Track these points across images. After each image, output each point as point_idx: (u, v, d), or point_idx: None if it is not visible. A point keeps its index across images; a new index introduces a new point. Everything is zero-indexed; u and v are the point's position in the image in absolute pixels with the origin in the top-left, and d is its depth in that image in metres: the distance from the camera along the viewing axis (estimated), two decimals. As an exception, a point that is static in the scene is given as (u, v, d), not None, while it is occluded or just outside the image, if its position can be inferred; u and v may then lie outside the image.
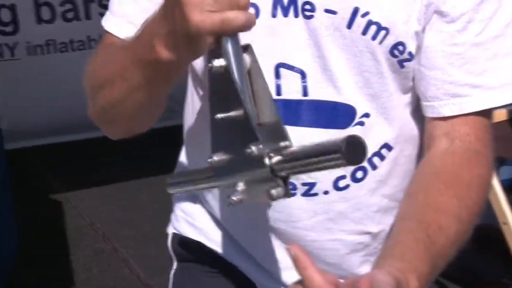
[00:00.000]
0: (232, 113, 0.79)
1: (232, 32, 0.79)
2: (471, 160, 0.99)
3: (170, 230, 1.29)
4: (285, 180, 0.79)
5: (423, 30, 0.99)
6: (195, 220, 1.22)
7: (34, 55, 4.03)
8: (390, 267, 0.82)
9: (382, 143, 1.05)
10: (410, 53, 1.00)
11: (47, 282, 2.84)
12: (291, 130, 0.98)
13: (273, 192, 0.78)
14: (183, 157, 1.24)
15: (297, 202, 1.05)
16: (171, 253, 1.29)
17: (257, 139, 0.77)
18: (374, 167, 1.05)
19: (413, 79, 1.04)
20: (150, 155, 3.74)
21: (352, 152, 0.72)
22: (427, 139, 1.05)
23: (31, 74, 3.90)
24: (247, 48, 0.83)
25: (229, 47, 0.79)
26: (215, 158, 0.80)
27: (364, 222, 1.10)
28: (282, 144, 0.81)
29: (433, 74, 1.01)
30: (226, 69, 0.79)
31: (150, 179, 3.44)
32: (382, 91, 1.02)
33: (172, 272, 1.29)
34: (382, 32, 0.98)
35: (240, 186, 0.80)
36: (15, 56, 3.98)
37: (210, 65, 0.79)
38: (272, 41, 1.00)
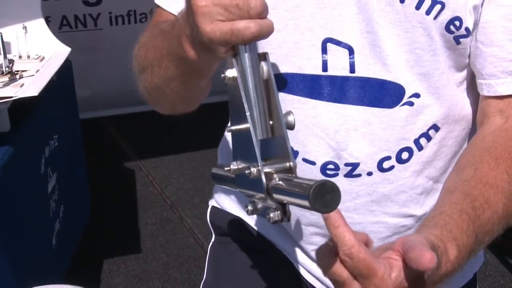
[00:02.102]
0: (242, 126, 0.78)
1: (244, 42, 0.76)
2: None
3: (211, 203, 1.30)
4: (283, 203, 0.76)
5: (482, 4, 0.95)
6: (235, 195, 1.22)
7: (116, 25, 4.13)
8: (428, 234, 0.80)
9: (430, 124, 1.02)
10: (466, 29, 0.95)
11: (115, 247, 2.93)
12: (337, 107, 1.00)
13: (271, 215, 0.75)
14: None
15: (339, 183, 0.99)
16: (210, 226, 1.30)
17: (259, 157, 0.76)
18: (420, 148, 1.02)
19: (469, 56, 1.00)
20: (223, 126, 3.73)
21: (321, 200, 0.68)
22: (480, 117, 1.01)
23: (113, 43, 4.00)
24: (264, 56, 0.80)
25: (245, 55, 0.77)
26: (233, 166, 0.79)
27: (408, 204, 1.07)
28: (286, 164, 0.77)
29: (491, 51, 0.97)
30: (237, 80, 0.77)
31: (221, 150, 3.46)
32: (434, 69, 0.98)
33: (210, 245, 1.30)
34: (437, 7, 0.94)
35: (257, 197, 0.79)
36: (98, 26, 4.09)
37: (223, 75, 0.78)
38: (321, 15, 0.97)
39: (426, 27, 0.95)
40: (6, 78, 2.00)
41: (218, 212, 1.27)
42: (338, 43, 0.98)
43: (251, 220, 1.21)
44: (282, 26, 0.99)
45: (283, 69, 1.01)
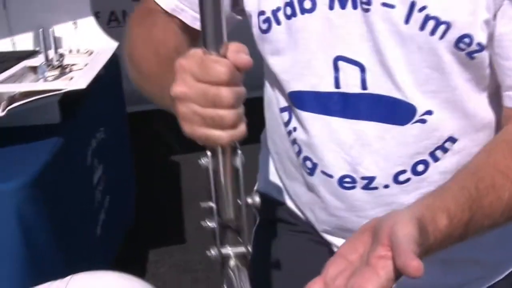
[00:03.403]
0: (208, 204, 0.86)
1: (217, 146, 0.82)
2: None
3: (256, 187, 1.32)
4: None
5: (495, 17, 0.92)
6: (278, 180, 1.24)
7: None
8: (419, 205, 0.79)
9: (446, 137, 1.01)
10: (479, 44, 0.93)
11: (161, 240, 2.99)
12: (350, 123, 1.01)
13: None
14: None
15: (357, 194, 1.05)
16: (254, 209, 1.33)
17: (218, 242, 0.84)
18: (436, 159, 1.02)
19: (491, 66, 0.98)
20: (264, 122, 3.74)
21: None
22: (504, 121, 0.99)
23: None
24: (235, 150, 0.84)
25: (219, 156, 0.83)
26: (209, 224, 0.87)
27: None
28: (242, 249, 0.85)
29: (508, 64, 0.95)
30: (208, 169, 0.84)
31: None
32: (445, 87, 0.98)
33: (255, 228, 1.32)
34: (442, 27, 0.92)
35: None
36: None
37: (200, 162, 0.84)
38: (330, 34, 0.98)
39: (432, 47, 0.94)
40: (56, 72, 2.07)
41: (262, 195, 1.28)
42: (349, 60, 0.99)
43: (292, 204, 1.23)
44: (293, 46, 1.01)
45: (297, 87, 1.04)
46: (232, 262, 0.84)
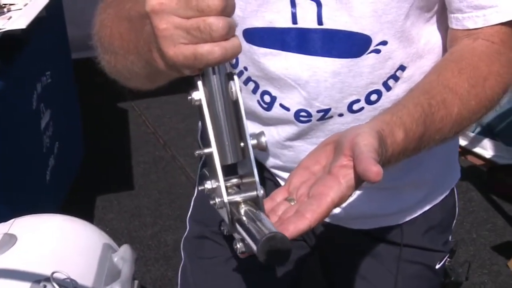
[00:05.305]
0: (206, 151, 0.73)
1: (209, 66, 0.72)
2: (491, 56, 0.96)
3: (199, 132, 1.28)
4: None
5: None
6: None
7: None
8: (377, 121, 0.82)
9: (398, 65, 1.03)
10: None
11: (108, 184, 2.99)
12: (306, 59, 1.02)
13: (238, 245, 0.72)
14: None
15: (313, 126, 1.08)
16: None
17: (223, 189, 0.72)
18: (388, 88, 1.05)
19: None
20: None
21: (269, 254, 0.66)
22: (449, 42, 1.02)
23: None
24: (232, 76, 0.75)
25: (211, 78, 0.73)
26: (207, 186, 0.74)
27: None
28: (254, 193, 0.74)
29: None
30: (201, 104, 0.74)
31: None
32: (400, 15, 0.99)
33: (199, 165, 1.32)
34: None
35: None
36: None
37: (189, 97, 0.73)
38: None
39: None
40: (-6, 12, 2.01)
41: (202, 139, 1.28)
42: None
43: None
44: None
45: (253, 24, 1.03)
46: (243, 208, 0.73)
